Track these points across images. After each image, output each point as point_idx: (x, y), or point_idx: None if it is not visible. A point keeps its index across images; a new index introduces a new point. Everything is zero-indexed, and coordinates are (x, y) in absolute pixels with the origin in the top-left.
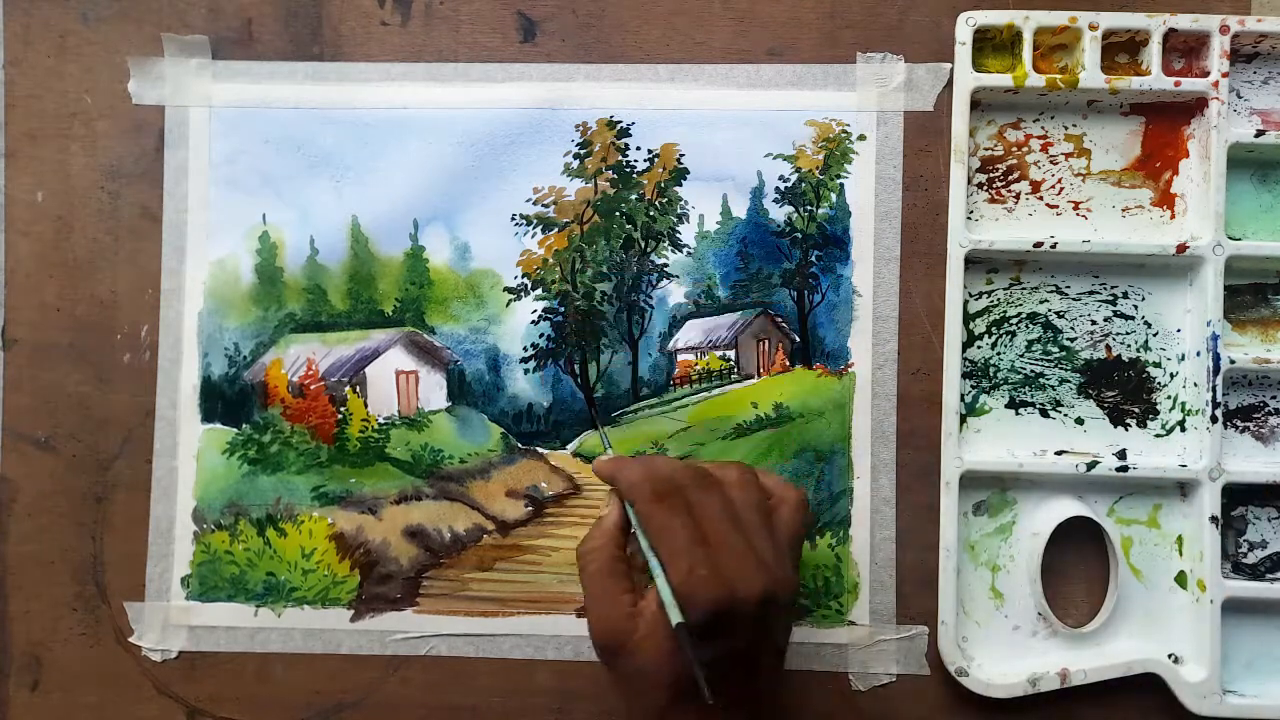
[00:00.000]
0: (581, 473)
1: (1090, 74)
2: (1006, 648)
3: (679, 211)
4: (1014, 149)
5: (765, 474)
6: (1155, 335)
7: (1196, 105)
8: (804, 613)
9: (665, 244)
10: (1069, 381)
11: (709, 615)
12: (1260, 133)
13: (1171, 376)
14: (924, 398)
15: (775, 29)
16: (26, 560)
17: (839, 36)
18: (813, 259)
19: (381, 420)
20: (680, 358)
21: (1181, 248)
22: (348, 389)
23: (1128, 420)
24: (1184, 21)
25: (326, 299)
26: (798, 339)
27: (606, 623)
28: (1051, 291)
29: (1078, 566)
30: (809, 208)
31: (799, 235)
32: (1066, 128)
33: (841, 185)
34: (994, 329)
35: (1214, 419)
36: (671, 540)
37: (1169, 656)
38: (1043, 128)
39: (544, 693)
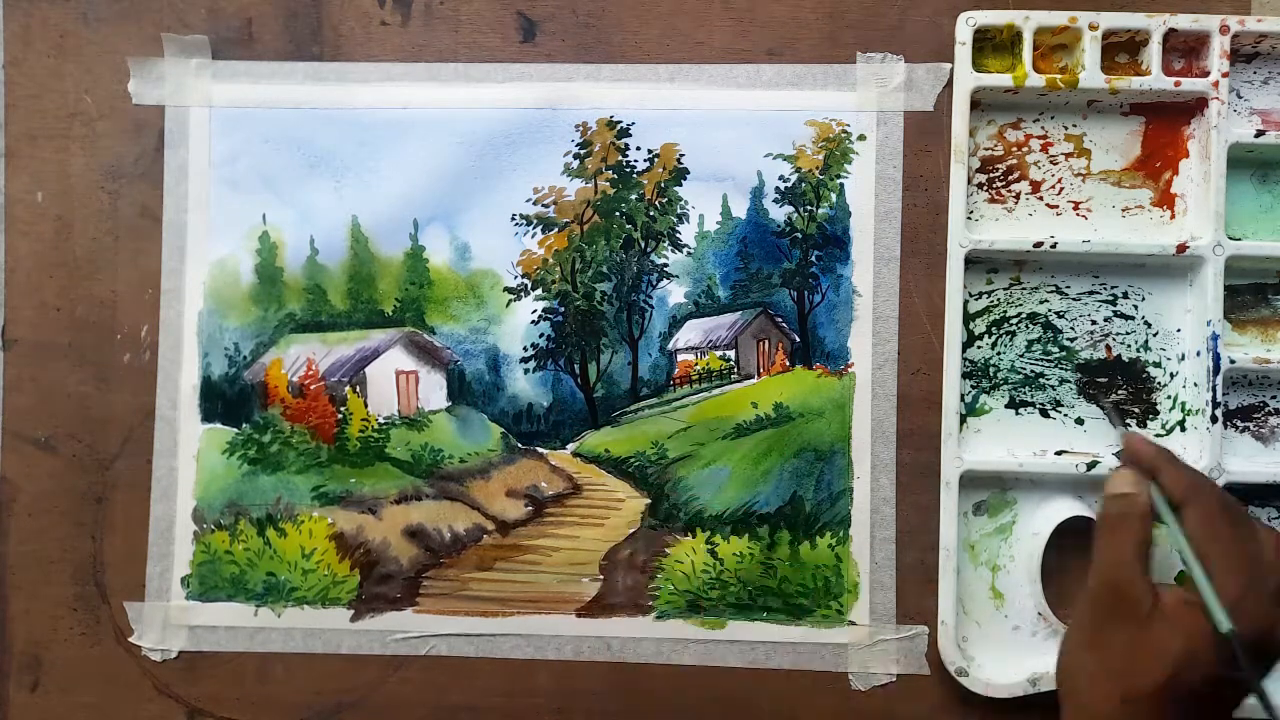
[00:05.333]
0: (582, 472)
1: (1090, 74)
2: (1006, 648)
3: (679, 211)
4: (1014, 149)
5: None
6: (1155, 335)
7: (1196, 105)
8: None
9: (665, 244)
10: (1069, 381)
11: (1248, 644)
12: (1260, 133)
13: (1171, 376)
14: (924, 398)
15: (775, 29)
16: (26, 560)
17: (839, 36)
18: (813, 259)
19: (381, 420)
20: (680, 358)
21: (1181, 248)
22: (348, 389)
23: (1128, 420)
24: (1184, 21)
25: (326, 299)
26: (798, 339)
27: (1129, 582)
28: (1051, 291)
29: (1078, 566)
30: (809, 208)
31: (799, 235)
32: (1066, 128)
33: (841, 185)
34: (994, 329)
35: (1214, 419)
36: (1229, 556)
37: None
38: (1043, 128)
39: (544, 693)
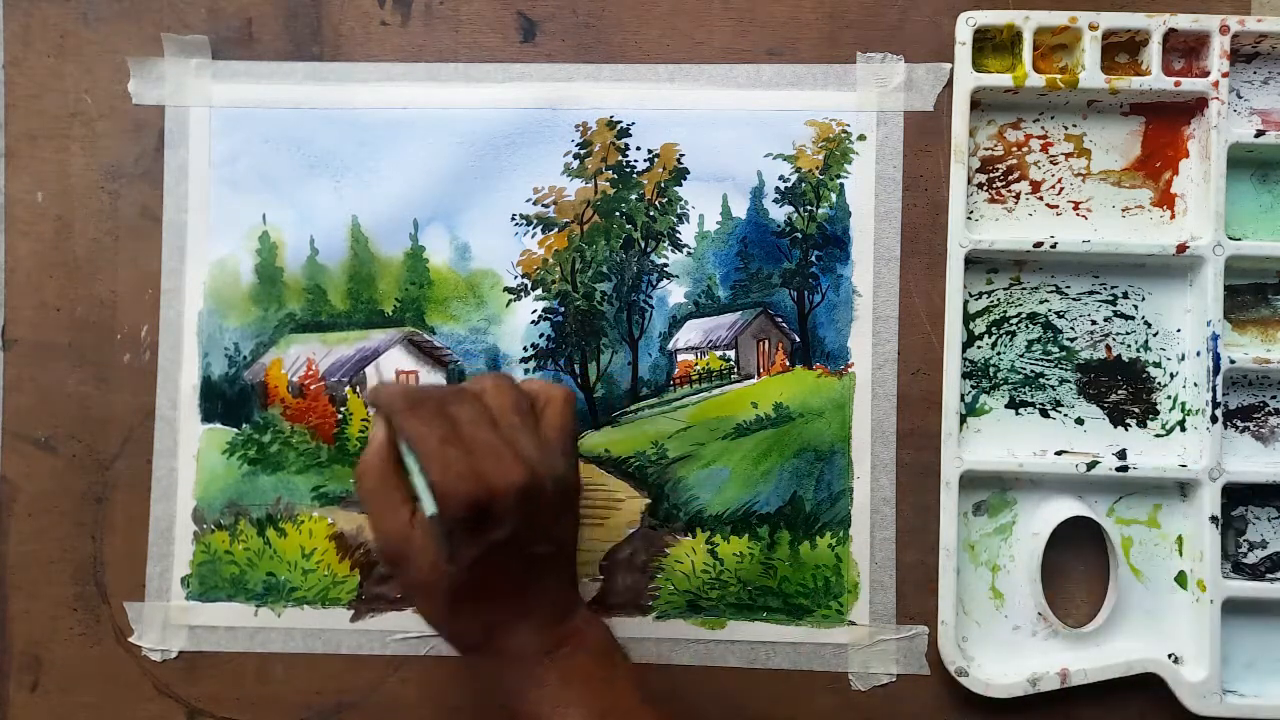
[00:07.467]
0: (581, 472)
1: (1090, 74)
2: (1006, 648)
3: (679, 211)
4: (1014, 149)
5: (528, 380)
6: (1155, 335)
7: (1196, 105)
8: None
9: (665, 244)
10: (1069, 381)
11: (467, 509)
12: (1260, 133)
13: (1171, 376)
14: (924, 398)
15: (775, 29)
16: (26, 560)
17: (839, 36)
18: (813, 259)
19: None
20: (680, 358)
21: (1181, 248)
22: (348, 389)
23: (1128, 420)
24: (1184, 21)
25: (326, 299)
26: (798, 339)
27: (387, 535)
28: (1051, 291)
29: (1078, 566)
30: (809, 208)
31: (799, 235)
32: (1066, 128)
33: (841, 185)
34: (994, 329)
35: (1214, 419)
36: (425, 444)
37: (1169, 656)
38: (1043, 128)
39: None
